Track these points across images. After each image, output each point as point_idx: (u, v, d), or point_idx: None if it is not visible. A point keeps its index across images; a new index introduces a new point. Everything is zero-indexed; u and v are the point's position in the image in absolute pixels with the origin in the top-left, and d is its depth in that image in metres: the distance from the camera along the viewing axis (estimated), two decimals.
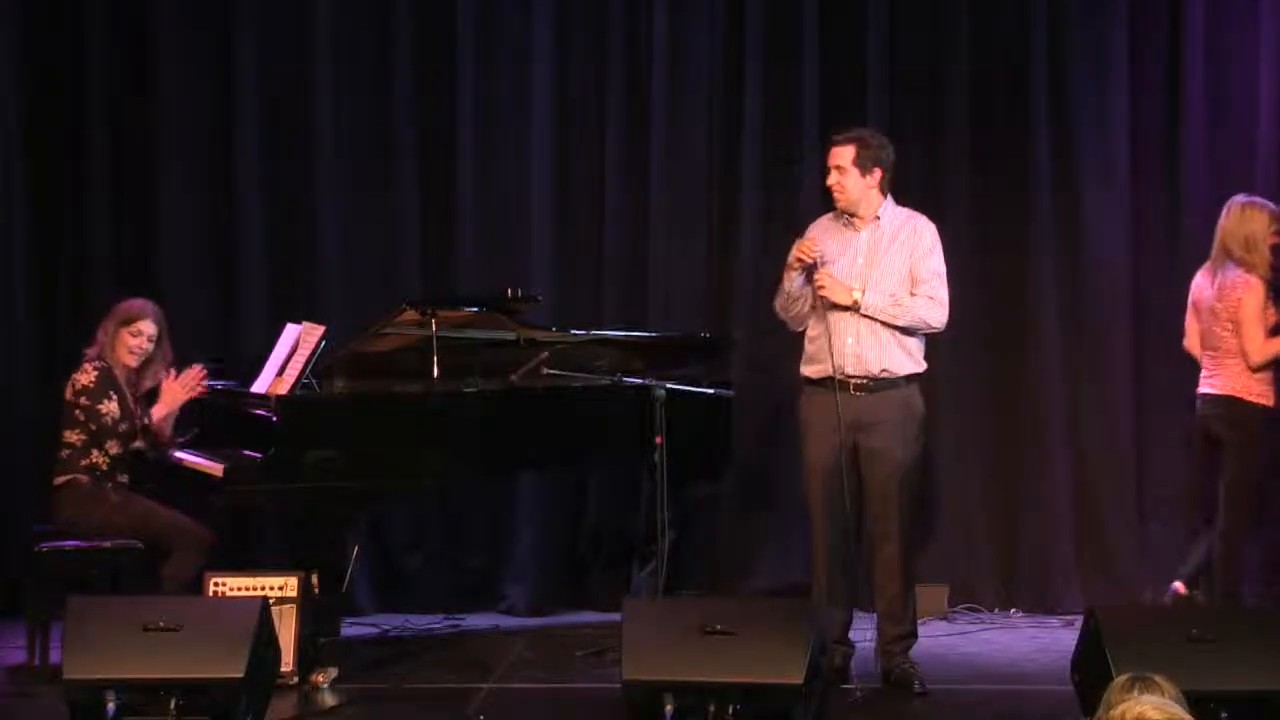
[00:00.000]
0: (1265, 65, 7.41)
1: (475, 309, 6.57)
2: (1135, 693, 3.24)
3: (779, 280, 6.15)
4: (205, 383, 6.52)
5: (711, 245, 7.62)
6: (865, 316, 5.98)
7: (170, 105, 7.55)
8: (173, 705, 5.00)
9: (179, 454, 6.54)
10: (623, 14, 7.63)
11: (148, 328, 6.49)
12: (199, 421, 6.71)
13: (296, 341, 6.38)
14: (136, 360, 6.51)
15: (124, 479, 6.49)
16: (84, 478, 6.40)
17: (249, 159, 7.56)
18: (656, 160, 7.58)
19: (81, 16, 7.53)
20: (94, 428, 6.40)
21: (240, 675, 5.00)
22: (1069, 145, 7.53)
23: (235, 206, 7.56)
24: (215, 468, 6.20)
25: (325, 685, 6.06)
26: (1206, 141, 7.47)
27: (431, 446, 6.27)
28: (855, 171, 6.03)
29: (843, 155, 6.04)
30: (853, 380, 6.00)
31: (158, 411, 6.50)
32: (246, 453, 6.17)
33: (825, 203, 7.42)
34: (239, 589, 6.01)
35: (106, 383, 6.41)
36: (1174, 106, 7.50)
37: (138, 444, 6.48)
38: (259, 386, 6.41)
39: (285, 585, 6.07)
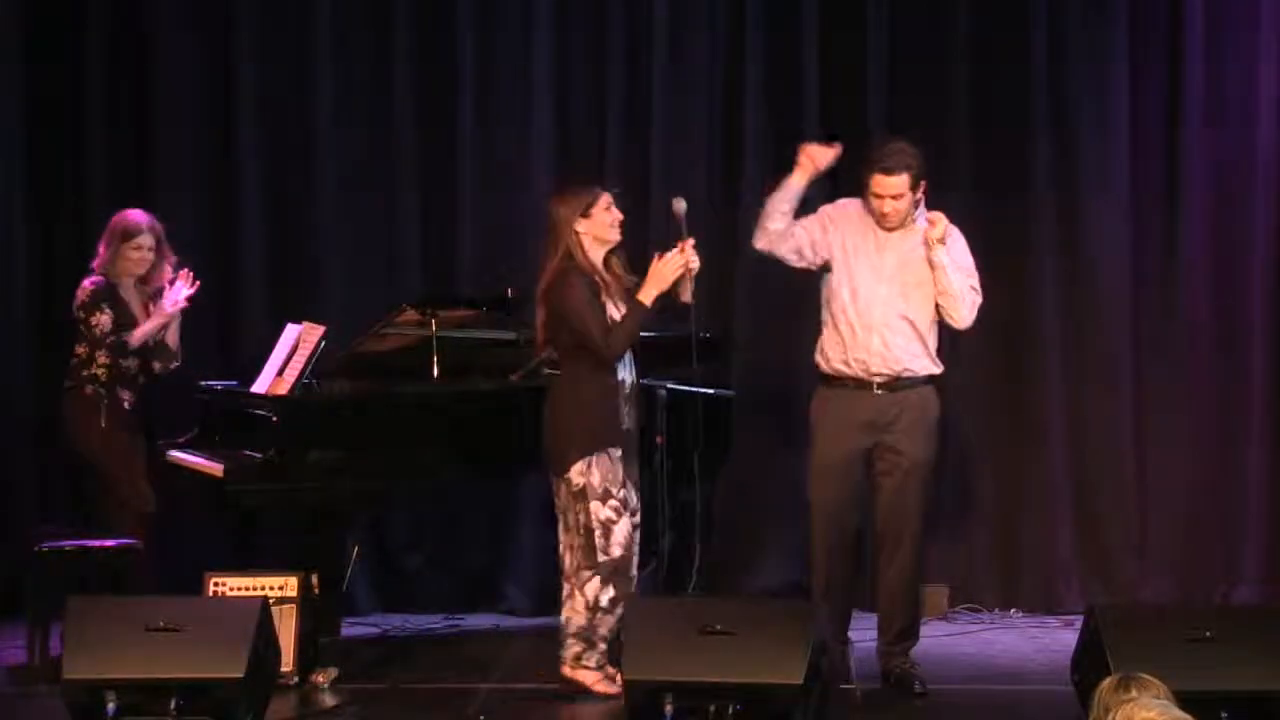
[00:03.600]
0: (1265, 65, 7.41)
1: (475, 309, 6.57)
2: (1123, 693, 3.22)
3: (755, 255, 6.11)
4: (189, 294, 6.71)
5: (711, 245, 7.60)
6: (932, 266, 5.98)
7: (170, 106, 7.55)
8: (173, 705, 5.00)
9: (179, 454, 6.54)
10: (623, 13, 7.63)
11: (146, 240, 6.72)
12: (199, 421, 6.71)
13: (296, 341, 6.38)
14: (143, 270, 6.74)
15: (126, 396, 6.67)
16: (87, 387, 6.63)
17: (249, 159, 7.56)
18: (656, 160, 7.57)
19: (82, 16, 7.53)
20: (90, 339, 6.63)
21: (240, 675, 5.00)
22: (1069, 145, 7.53)
23: (235, 206, 7.57)
24: (215, 468, 6.20)
25: (325, 685, 6.06)
26: (1206, 141, 7.47)
27: (431, 446, 6.27)
28: (908, 195, 6.00)
29: (897, 186, 5.96)
30: (875, 379, 6.00)
31: (137, 334, 6.68)
32: (246, 453, 6.17)
33: (826, 203, 7.44)
34: (239, 589, 6.02)
35: (101, 296, 6.64)
36: (1174, 106, 7.50)
37: (128, 362, 6.67)
38: (259, 386, 6.41)
39: (285, 585, 6.08)
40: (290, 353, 6.37)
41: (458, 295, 7.17)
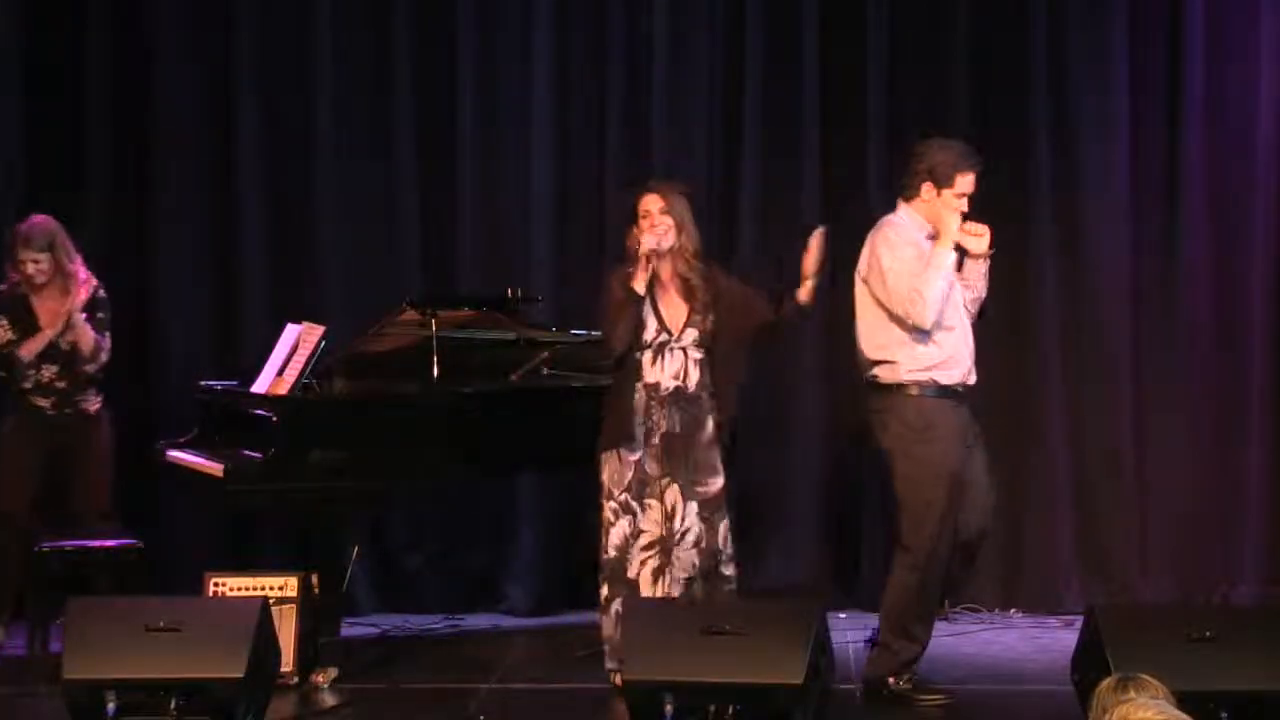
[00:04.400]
0: (1265, 65, 7.41)
1: (475, 309, 6.57)
2: (1122, 694, 3.22)
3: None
4: (80, 301, 6.62)
5: (711, 246, 7.59)
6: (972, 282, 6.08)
7: (170, 105, 7.56)
8: (173, 705, 5.00)
9: (179, 454, 6.54)
10: (623, 14, 7.62)
11: (28, 254, 6.62)
12: (199, 421, 6.71)
13: (296, 341, 6.38)
14: (42, 280, 6.65)
15: (46, 404, 6.66)
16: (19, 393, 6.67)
17: (249, 159, 7.56)
18: (657, 160, 7.57)
19: (82, 16, 7.53)
20: None
21: (240, 675, 5.00)
22: (1069, 145, 7.52)
23: (235, 206, 7.57)
24: (215, 468, 6.19)
25: (325, 685, 6.07)
26: (1206, 141, 7.47)
27: (432, 446, 6.27)
28: None
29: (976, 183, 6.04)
30: (964, 385, 6.01)
31: (24, 350, 6.65)
32: (246, 453, 6.17)
33: (826, 204, 7.44)
34: (239, 589, 6.02)
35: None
36: (1174, 106, 7.50)
37: (43, 370, 6.64)
38: (259, 386, 6.41)
39: (285, 585, 6.08)
40: (290, 353, 6.37)
41: (458, 295, 7.18)
